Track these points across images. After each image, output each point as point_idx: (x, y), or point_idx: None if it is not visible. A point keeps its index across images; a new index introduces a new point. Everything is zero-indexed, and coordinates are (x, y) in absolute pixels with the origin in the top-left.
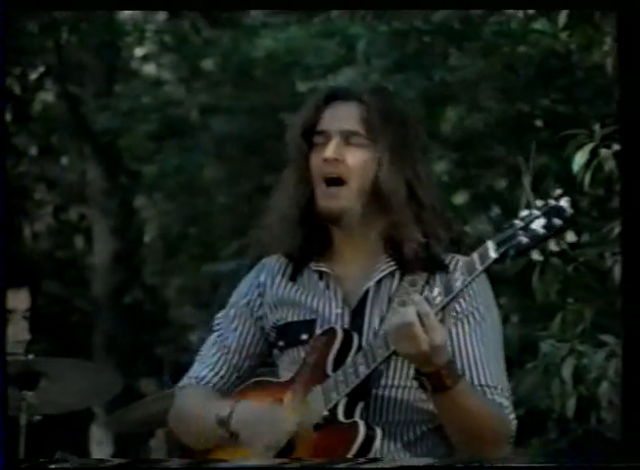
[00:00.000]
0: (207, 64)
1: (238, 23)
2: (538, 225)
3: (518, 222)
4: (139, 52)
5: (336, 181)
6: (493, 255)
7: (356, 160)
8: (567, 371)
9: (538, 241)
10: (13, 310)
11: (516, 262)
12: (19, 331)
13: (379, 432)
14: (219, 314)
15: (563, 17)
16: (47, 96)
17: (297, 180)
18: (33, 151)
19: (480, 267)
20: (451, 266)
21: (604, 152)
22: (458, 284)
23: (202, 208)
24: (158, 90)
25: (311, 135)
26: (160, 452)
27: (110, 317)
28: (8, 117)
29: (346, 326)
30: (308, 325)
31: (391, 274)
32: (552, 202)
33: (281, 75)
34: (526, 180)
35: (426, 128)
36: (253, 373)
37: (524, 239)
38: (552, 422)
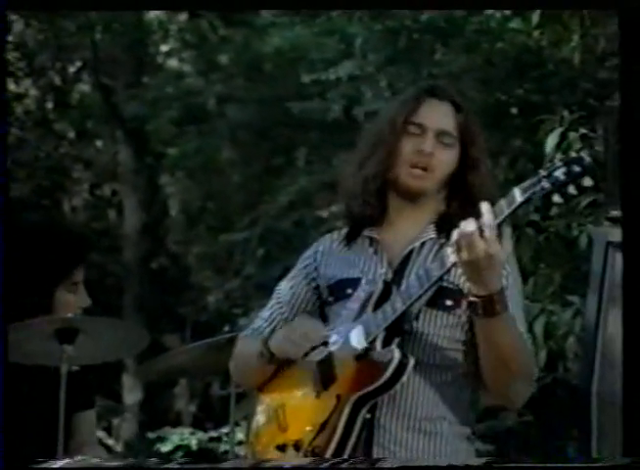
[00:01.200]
0: (223, 58)
1: (250, 23)
2: (560, 173)
3: (542, 171)
4: (164, 48)
5: (423, 168)
6: (519, 198)
7: (444, 156)
8: (538, 328)
9: (559, 185)
10: (77, 282)
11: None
12: (82, 299)
13: (412, 360)
14: (289, 275)
15: (535, 17)
16: (84, 87)
17: (385, 157)
18: (72, 135)
19: (508, 210)
20: None
21: (572, 135)
22: (488, 222)
23: (218, 185)
24: (179, 82)
25: (407, 124)
26: (183, 399)
27: (138, 281)
28: (50, 105)
29: (379, 278)
30: (354, 282)
31: (433, 240)
32: (572, 154)
33: (287, 69)
34: (505, 161)
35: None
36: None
37: (546, 184)
38: None
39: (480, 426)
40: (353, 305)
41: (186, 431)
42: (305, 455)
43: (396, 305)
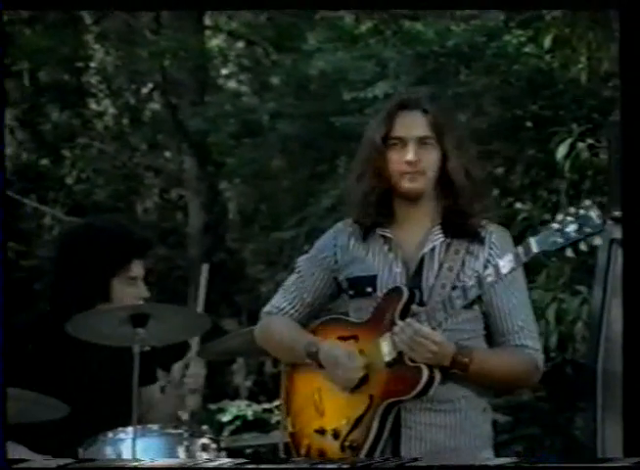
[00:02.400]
0: (275, 80)
1: (298, 49)
2: (571, 229)
3: (555, 225)
4: (223, 71)
5: (414, 172)
6: (535, 250)
7: (429, 157)
8: (550, 314)
9: (571, 242)
10: (136, 277)
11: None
12: (141, 292)
13: (438, 375)
14: (300, 259)
15: (547, 42)
16: (154, 106)
17: (376, 171)
18: (144, 147)
19: (524, 259)
20: (486, 237)
21: (580, 145)
22: (505, 267)
23: (269, 190)
24: (237, 100)
25: (387, 139)
26: (240, 375)
27: (200, 272)
28: (125, 121)
29: (404, 283)
30: (372, 280)
31: (441, 244)
32: (582, 211)
33: (330, 88)
34: (520, 168)
35: None
36: (322, 310)
37: (560, 239)
38: None
39: (499, 400)
40: (381, 309)
41: (243, 403)
42: (343, 447)
43: (423, 324)
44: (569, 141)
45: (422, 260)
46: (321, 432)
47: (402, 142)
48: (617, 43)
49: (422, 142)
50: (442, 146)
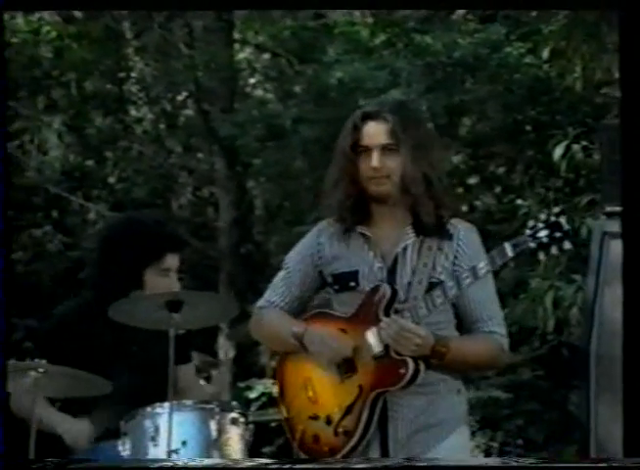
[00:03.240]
0: (297, 88)
1: (318, 60)
2: (543, 234)
3: (528, 231)
4: (251, 81)
5: (380, 177)
6: (510, 254)
7: (392, 162)
8: (548, 300)
9: (543, 247)
10: (169, 269)
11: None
12: (172, 283)
13: (422, 366)
14: (288, 257)
15: (545, 53)
16: (188, 112)
17: (350, 177)
18: (179, 149)
19: (499, 262)
20: (454, 234)
21: (575, 147)
22: (482, 269)
23: (292, 188)
24: (263, 107)
25: (356, 148)
26: (266, 355)
27: (230, 263)
28: (162, 126)
29: (384, 278)
30: (354, 275)
31: (413, 242)
32: (552, 218)
33: (348, 96)
34: (520, 168)
35: (448, 132)
36: (308, 302)
37: (532, 244)
38: (537, 336)
39: (502, 379)
40: (366, 304)
41: (268, 381)
42: (336, 432)
43: (407, 321)
44: (564, 143)
45: (395, 259)
46: (315, 418)
47: (368, 150)
48: (610, 54)
49: (385, 149)
50: (404, 151)
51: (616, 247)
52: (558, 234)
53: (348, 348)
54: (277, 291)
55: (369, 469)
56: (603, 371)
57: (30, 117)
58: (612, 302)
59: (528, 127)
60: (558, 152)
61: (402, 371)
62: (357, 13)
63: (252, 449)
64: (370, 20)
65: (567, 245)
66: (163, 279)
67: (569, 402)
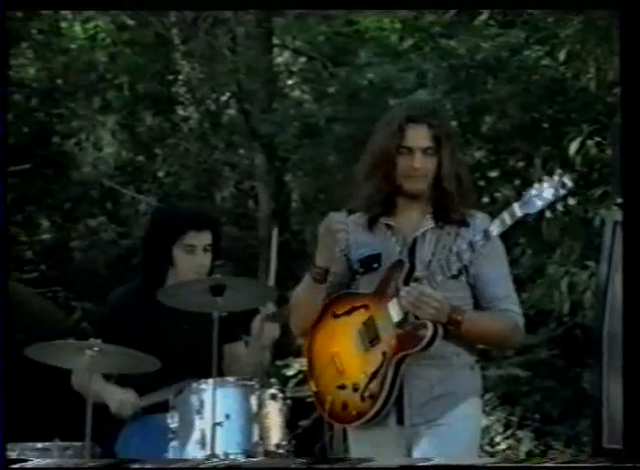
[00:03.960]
0: (331, 89)
1: (351, 63)
2: (549, 193)
3: (534, 191)
4: (289, 82)
5: (417, 176)
6: (519, 214)
7: (430, 164)
8: (564, 285)
9: (549, 204)
10: (194, 245)
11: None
12: (200, 260)
13: (440, 329)
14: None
15: (562, 56)
16: (231, 112)
17: (384, 172)
18: (222, 146)
19: (510, 222)
20: (472, 222)
21: (589, 143)
22: (494, 231)
23: (326, 182)
24: (300, 107)
25: (398, 148)
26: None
27: (268, 251)
28: (207, 124)
29: (403, 258)
30: (377, 257)
31: (433, 228)
32: (557, 177)
33: (378, 96)
34: (538, 162)
35: (471, 129)
36: (340, 283)
37: (539, 202)
38: (553, 318)
39: (520, 358)
40: (386, 279)
41: (305, 360)
42: (363, 398)
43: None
44: (579, 139)
45: (414, 241)
46: (342, 387)
47: (410, 151)
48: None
49: (425, 151)
50: (440, 155)
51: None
52: (562, 191)
53: (339, 225)
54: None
55: (371, 469)
56: (614, 350)
57: (87, 116)
58: (622, 286)
59: (546, 125)
60: (573, 147)
61: (422, 334)
62: (387, 19)
63: (290, 423)
64: (398, 25)
65: (570, 201)
66: (189, 255)
67: (582, 380)
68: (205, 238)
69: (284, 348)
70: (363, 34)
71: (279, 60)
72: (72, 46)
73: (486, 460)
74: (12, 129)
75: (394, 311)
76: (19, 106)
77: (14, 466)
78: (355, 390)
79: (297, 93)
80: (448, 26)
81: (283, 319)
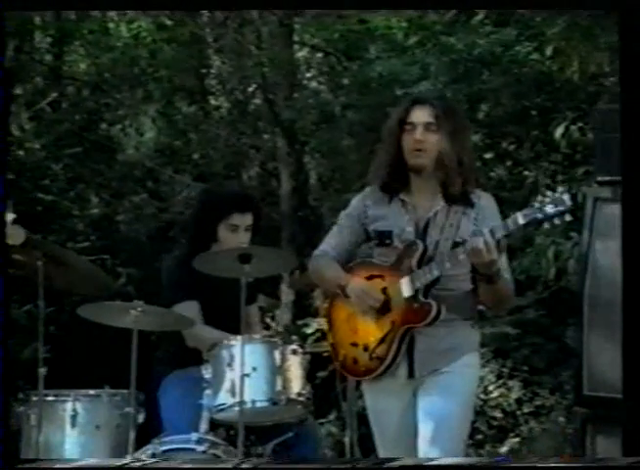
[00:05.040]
0: (345, 80)
1: (362, 58)
2: (549, 208)
3: (536, 204)
4: (307, 75)
5: (419, 149)
6: (521, 222)
7: (432, 138)
8: (550, 254)
9: (549, 218)
10: (237, 225)
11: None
12: (241, 238)
13: (443, 309)
14: (341, 214)
15: (549, 51)
16: (257, 101)
17: (393, 150)
18: (249, 131)
19: (512, 227)
20: (476, 202)
21: (572, 127)
22: (498, 234)
23: (340, 162)
24: (317, 96)
25: (403, 124)
26: (319, 298)
27: (290, 224)
28: (235, 112)
29: (414, 238)
30: (389, 234)
31: (442, 208)
32: (557, 195)
33: (386, 87)
34: (527, 145)
35: (468, 116)
36: (354, 252)
37: (539, 215)
38: (540, 282)
39: (512, 317)
40: (402, 257)
41: (321, 320)
42: (371, 357)
43: (434, 271)
44: (564, 124)
45: (427, 221)
46: (355, 345)
47: (413, 126)
48: (601, 52)
49: (427, 127)
50: (442, 133)
51: (605, 209)
52: (561, 208)
53: (378, 300)
54: (330, 242)
55: (371, 469)
56: (594, 310)
57: (130, 105)
58: (601, 254)
59: (534, 112)
60: (558, 132)
61: (428, 311)
62: (394, 19)
63: (309, 374)
64: (404, 24)
65: (567, 217)
66: (232, 234)
67: (565, 336)
68: (247, 219)
69: (304, 309)
70: (373, 32)
71: (299, 55)
72: (118, 44)
73: (487, 460)
74: (65, 117)
75: (406, 288)
76: (71, 97)
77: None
78: (365, 349)
79: (314, 84)
80: (448, 25)
81: (301, 285)
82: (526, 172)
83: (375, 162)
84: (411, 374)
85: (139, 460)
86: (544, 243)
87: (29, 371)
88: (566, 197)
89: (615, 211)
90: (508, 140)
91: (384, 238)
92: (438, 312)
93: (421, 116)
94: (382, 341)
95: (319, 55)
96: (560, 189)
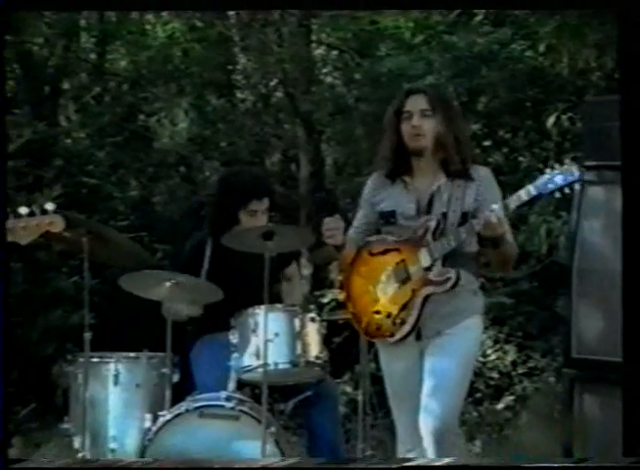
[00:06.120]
0: (357, 76)
1: (373, 55)
2: (559, 179)
3: (547, 176)
4: (323, 71)
5: (417, 134)
6: (534, 193)
7: (428, 124)
8: (542, 231)
9: (558, 188)
10: (255, 210)
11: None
12: (259, 221)
13: (462, 274)
14: (361, 198)
15: (541, 48)
16: (278, 94)
17: (395, 138)
18: (271, 121)
19: (525, 198)
20: (476, 175)
21: (563, 117)
22: (512, 205)
23: (353, 149)
24: (332, 90)
25: (400, 114)
26: (335, 271)
27: (308, 205)
28: (259, 105)
29: (415, 215)
30: (392, 214)
31: (445, 183)
32: (566, 166)
33: (395, 81)
34: (522, 134)
35: (469, 107)
36: (373, 229)
37: (550, 185)
38: (533, 257)
39: (508, 288)
40: (417, 231)
41: (336, 290)
42: (394, 323)
43: (451, 242)
44: (555, 115)
45: (432, 196)
46: (377, 312)
47: (410, 114)
48: (588, 49)
49: (423, 113)
50: (436, 117)
51: (591, 191)
52: (570, 179)
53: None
54: (356, 223)
55: (372, 469)
56: (581, 282)
57: (165, 99)
58: (588, 231)
59: (528, 103)
60: (550, 121)
61: (447, 278)
62: (402, 19)
63: (325, 340)
64: (411, 24)
65: (576, 186)
66: (252, 218)
67: (556, 305)
68: (264, 204)
69: (320, 281)
70: (383, 32)
71: (316, 52)
72: (154, 44)
73: (487, 460)
74: (108, 110)
75: (424, 258)
76: (113, 91)
77: (15, 466)
78: (388, 316)
79: (330, 79)
80: (451, 25)
81: (318, 259)
82: (521, 158)
83: (379, 150)
84: (419, 337)
85: (140, 460)
86: (537, 221)
87: (77, 336)
88: (574, 168)
89: (599, 192)
90: (504, 129)
91: (388, 217)
92: (458, 279)
93: (416, 104)
94: (404, 307)
95: (334, 52)
96: (568, 161)
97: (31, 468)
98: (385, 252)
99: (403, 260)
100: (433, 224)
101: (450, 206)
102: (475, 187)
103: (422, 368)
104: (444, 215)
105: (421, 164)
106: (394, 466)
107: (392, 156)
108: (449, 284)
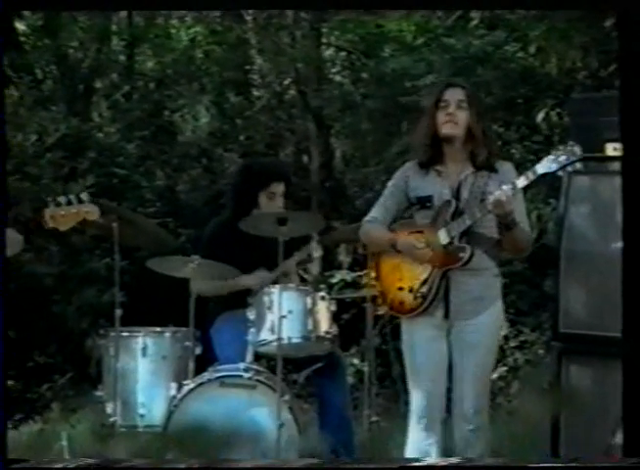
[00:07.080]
0: (364, 75)
1: (378, 56)
2: (563, 159)
3: (551, 156)
4: (333, 70)
5: (451, 121)
6: (540, 172)
7: (462, 114)
8: (533, 216)
9: (562, 166)
10: (274, 193)
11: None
12: (277, 203)
13: (477, 251)
14: (387, 185)
15: (532, 50)
16: (292, 92)
17: (431, 124)
18: (284, 117)
19: (532, 177)
20: (500, 168)
21: (552, 113)
22: (520, 183)
23: (360, 143)
24: (341, 88)
25: (438, 103)
26: (343, 253)
27: (318, 193)
28: (273, 102)
29: (450, 200)
30: (429, 198)
31: (471, 173)
32: (568, 147)
33: (398, 80)
34: (514, 128)
35: None
36: (398, 216)
37: (554, 165)
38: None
39: (503, 269)
40: (438, 214)
41: (344, 271)
42: (415, 297)
43: (466, 221)
44: (544, 110)
45: (459, 184)
46: (401, 289)
47: (447, 103)
48: (575, 50)
49: (459, 105)
50: (470, 110)
51: (578, 180)
52: (573, 158)
53: (426, 255)
54: (379, 210)
55: (372, 469)
56: (568, 263)
57: (188, 96)
58: (575, 217)
59: (520, 100)
60: (540, 116)
61: (462, 254)
62: (404, 23)
63: (335, 316)
64: (413, 27)
65: (578, 165)
66: (271, 201)
67: (545, 284)
68: (282, 186)
69: (330, 263)
70: (387, 34)
71: (326, 54)
72: (179, 46)
73: (487, 460)
74: (136, 106)
75: (443, 237)
76: (141, 89)
77: (15, 466)
78: (410, 291)
79: (338, 78)
80: (449, 28)
81: (327, 242)
82: (514, 150)
83: (414, 138)
84: (446, 315)
85: (140, 461)
86: (528, 207)
87: (108, 312)
88: (576, 149)
89: (585, 181)
90: (498, 124)
91: (425, 201)
92: (471, 254)
93: (454, 95)
94: (424, 282)
95: (343, 54)
96: (570, 142)
97: (31, 468)
98: (410, 234)
99: (426, 241)
100: (451, 208)
101: (472, 193)
102: (497, 178)
103: (447, 345)
104: (467, 202)
105: (452, 152)
106: (395, 466)
107: (427, 141)
108: (464, 259)
